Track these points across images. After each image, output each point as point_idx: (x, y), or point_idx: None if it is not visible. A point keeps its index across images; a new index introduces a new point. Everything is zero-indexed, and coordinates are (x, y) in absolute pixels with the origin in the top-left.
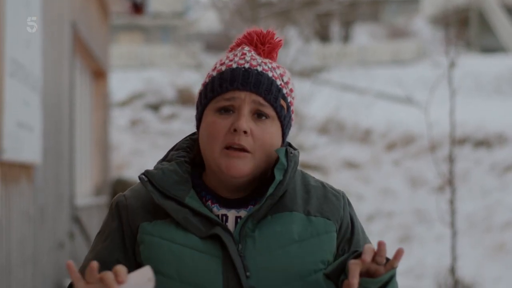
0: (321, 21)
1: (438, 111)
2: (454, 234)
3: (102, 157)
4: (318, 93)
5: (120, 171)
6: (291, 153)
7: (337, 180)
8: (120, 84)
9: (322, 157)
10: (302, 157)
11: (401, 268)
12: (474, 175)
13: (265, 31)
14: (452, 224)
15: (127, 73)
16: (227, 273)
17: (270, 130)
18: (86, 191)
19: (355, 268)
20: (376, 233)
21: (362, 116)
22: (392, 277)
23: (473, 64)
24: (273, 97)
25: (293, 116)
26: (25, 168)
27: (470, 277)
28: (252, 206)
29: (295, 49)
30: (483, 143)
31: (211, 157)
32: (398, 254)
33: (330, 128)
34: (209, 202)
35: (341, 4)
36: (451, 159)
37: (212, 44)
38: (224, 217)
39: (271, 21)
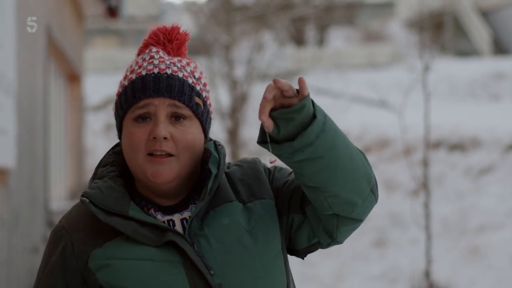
0: (296, 25)
1: (413, 115)
2: (428, 238)
3: (76, 161)
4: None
5: None
6: (219, 145)
7: None
8: (95, 88)
9: None
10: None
11: (376, 271)
12: (448, 178)
13: (169, 28)
14: (427, 228)
15: (102, 77)
16: (191, 275)
17: (190, 130)
18: (60, 195)
19: (263, 105)
20: (350, 236)
21: (337, 120)
22: (306, 105)
23: (448, 68)
24: (187, 98)
25: (211, 109)
26: None
27: (444, 280)
28: (193, 206)
29: (270, 53)
30: (457, 146)
31: (136, 166)
32: (300, 82)
33: None
34: (151, 211)
35: (316, 8)
36: (425, 163)
37: (187, 48)
38: (170, 222)
39: (246, 25)
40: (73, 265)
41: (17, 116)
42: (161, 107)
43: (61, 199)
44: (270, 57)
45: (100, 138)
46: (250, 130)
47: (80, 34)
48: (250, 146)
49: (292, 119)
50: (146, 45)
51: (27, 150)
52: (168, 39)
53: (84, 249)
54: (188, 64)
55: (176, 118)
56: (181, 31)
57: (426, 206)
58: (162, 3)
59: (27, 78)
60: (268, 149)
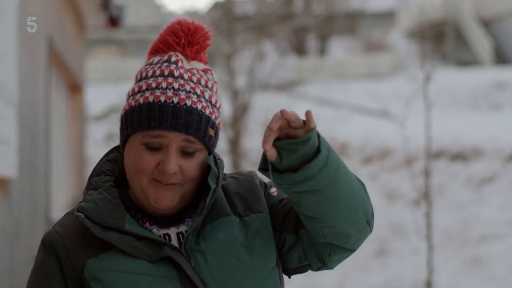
0: (297, 35)
1: (414, 125)
2: (430, 248)
3: (78, 171)
4: (295, 107)
5: None
6: (219, 159)
7: None
8: (96, 98)
9: None
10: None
11: (377, 281)
12: (450, 188)
13: (193, 27)
14: (428, 238)
15: (103, 87)
16: None
17: (197, 162)
18: (62, 205)
19: (268, 135)
20: None
21: (338, 130)
22: (312, 138)
23: (449, 78)
24: (202, 133)
25: (220, 131)
26: (0, 182)
27: None
28: (189, 220)
29: (272, 63)
30: (458, 156)
31: (138, 187)
32: (307, 115)
33: None
34: (147, 224)
35: (317, 18)
36: (427, 173)
37: None
38: (166, 236)
39: (247, 35)
40: (69, 270)
41: (18, 126)
42: (175, 141)
43: (62, 208)
44: (272, 67)
45: (101, 148)
46: (251, 140)
47: (81, 44)
48: (251, 156)
49: (296, 150)
50: (164, 43)
51: (28, 160)
52: (189, 41)
53: (79, 256)
54: (206, 84)
55: (186, 154)
56: (203, 33)
57: (428, 216)
58: (163, 13)
59: (28, 88)
60: (269, 177)
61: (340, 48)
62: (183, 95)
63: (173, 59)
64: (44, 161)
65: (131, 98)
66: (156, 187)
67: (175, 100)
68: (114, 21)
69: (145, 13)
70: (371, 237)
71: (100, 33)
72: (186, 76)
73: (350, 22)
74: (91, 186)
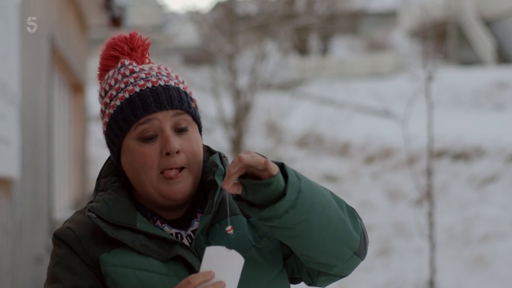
0: (299, 34)
1: (416, 124)
2: (432, 247)
3: (80, 171)
4: (297, 107)
5: None
6: (224, 157)
7: None
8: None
9: (301, 170)
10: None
11: (380, 280)
12: (452, 188)
13: (128, 36)
14: (431, 237)
15: None
16: None
17: (194, 137)
18: (64, 205)
19: (229, 176)
20: None
21: (341, 129)
22: (274, 183)
23: (451, 78)
24: (186, 104)
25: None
26: (3, 182)
27: None
28: (195, 220)
29: (274, 63)
30: (461, 156)
31: (148, 185)
32: (265, 164)
33: (309, 141)
34: (158, 223)
35: (320, 18)
36: (429, 172)
37: (191, 58)
38: (179, 235)
39: (249, 35)
40: (89, 260)
41: (21, 126)
42: (166, 120)
43: (65, 208)
44: (274, 67)
45: (103, 148)
46: (254, 140)
47: (84, 44)
48: None
49: (259, 191)
50: (110, 58)
51: (31, 160)
52: (132, 47)
53: (93, 249)
54: (166, 69)
55: (180, 130)
56: (138, 36)
57: (430, 215)
58: (165, 13)
59: (30, 88)
60: (242, 207)
61: (342, 48)
62: (153, 79)
63: (127, 62)
64: (46, 161)
65: (107, 109)
66: (168, 182)
67: (149, 85)
68: (116, 21)
69: (147, 13)
70: (374, 236)
71: (102, 33)
72: (147, 68)
73: (352, 22)
74: (100, 188)
